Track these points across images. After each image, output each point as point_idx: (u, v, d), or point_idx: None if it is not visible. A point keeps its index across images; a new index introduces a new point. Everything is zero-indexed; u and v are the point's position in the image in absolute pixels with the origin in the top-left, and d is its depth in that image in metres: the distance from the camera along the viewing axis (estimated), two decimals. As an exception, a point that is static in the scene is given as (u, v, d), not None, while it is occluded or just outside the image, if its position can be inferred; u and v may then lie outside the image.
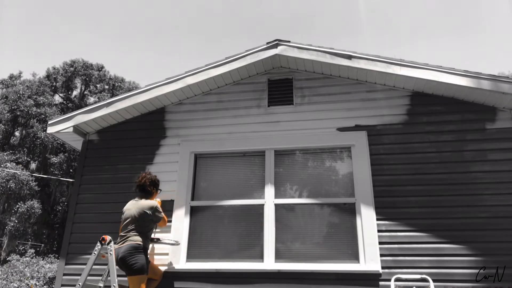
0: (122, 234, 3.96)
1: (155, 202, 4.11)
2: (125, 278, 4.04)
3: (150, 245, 4.53)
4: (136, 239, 3.86)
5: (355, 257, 4.10)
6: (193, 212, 4.65)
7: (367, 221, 4.15)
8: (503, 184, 4.07)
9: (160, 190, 4.42)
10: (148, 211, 3.97)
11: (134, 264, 3.73)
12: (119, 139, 5.16)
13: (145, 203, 4.04)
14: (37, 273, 12.01)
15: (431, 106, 4.53)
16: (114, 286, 3.70)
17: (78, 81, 27.27)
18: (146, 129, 5.13)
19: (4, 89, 25.38)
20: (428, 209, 4.11)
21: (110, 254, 3.81)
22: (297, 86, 4.98)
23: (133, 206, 4.04)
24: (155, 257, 4.44)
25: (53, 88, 26.40)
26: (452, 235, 3.98)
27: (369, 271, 3.95)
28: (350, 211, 4.30)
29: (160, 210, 4.10)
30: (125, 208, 4.12)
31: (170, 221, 4.57)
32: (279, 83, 5.05)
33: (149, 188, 4.18)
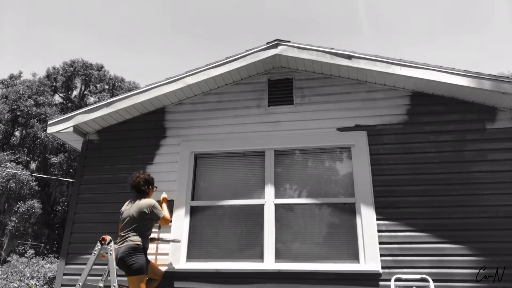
0: (121, 234, 3.96)
1: (153, 200, 4.10)
2: (125, 278, 4.04)
3: (153, 245, 4.53)
4: (134, 239, 3.85)
5: (355, 257, 4.10)
6: (193, 212, 4.65)
7: (367, 221, 4.15)
8: (503, 184, 4.07)
9: (156, 187, 4.41)
10: (146, 210, 3.96)
11: (133, 264, 3.72)
12: (119, 139, 5.17)
13: (142, 202, 4.03)
14: (37, 273, 12.02)
15: (431, 106, 4.53)
16: (114, 286, 3.70)
17: (78, 81, 27.28)
18: (146, 129, 5.13)
19: (4, 89, 25.37)
20: (428, 209, 4.11)
21: (110, 254, 3.81)
22: (297, 86, 4.98)
23: (131, 207, 4.04)
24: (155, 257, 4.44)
25: (53, 88, 26.41)
26: (452, 235, 3.98)
27: (369, 271, 3.95)
28: (350, 211, 4.30)
29: (159, 207, 4.08)
30: (122, 208, 4.13)
31: (171, 221, 4.56)
32: (279, 83, 5.05)
33: (143, 188, 4.16)
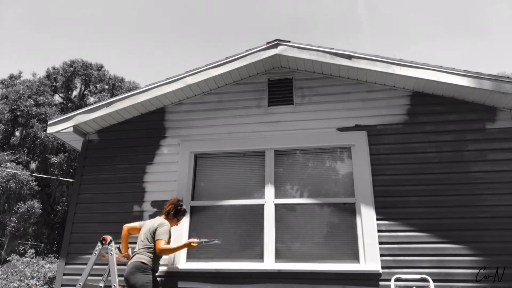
0: (134, 250, 3.92)
1: (167, 222, 3.97)
2: (125, 278, 4.04)
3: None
4: (141, 257, 3.76)
5: (355, 257, 4.10)
6: (193, 212, 4.65)
7: (367, 221, 4.15)
8: (503, 184, 4.07)
9: (179, 220, 4.25)
10: (157, 227, 3.86)
11: (134, 284, 3.62)
12: (119, 139, 5.17)
13: (157, 219, 4.00)
14: (37, 273, 12.02)
15: (431, 106, 4.53)
16: (114, 286, 3.70)
17: (78, 81, 27.27)
18: (146, 129, 5.13)
19: (4, 89, 25.36)
20: (428, 209, 4.11)
21: (111, 254, 3.82)
22: (297, 86, 4.98)
23: (148, 223, 4.02)
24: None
25: (53, 88, 26.40)
26: (452, 235, 3.98)
27: (369, 271, 3.95)
28: (350, 211, 4.30)
29: (165, 230, 3.85)
30: (143, 222, 4.13)
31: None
32: (279, 83, 5.05)
33: (167, 208, 4.09)
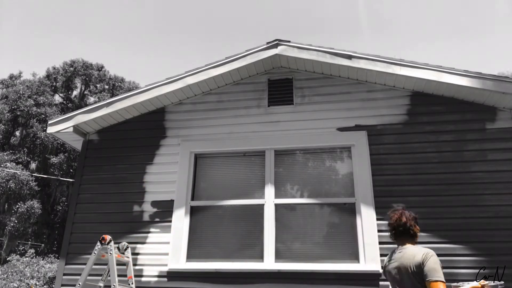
0: None
1: (425, 249, 2.50)
2: (125, 278, 4.05)
3: (151, 245, 4.52)
4: None
5: (355, 257, 4.10)
6: (193, 212, 4.65)
7: (367, 221, 4.15)
8: (503, 184, 4.07)
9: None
10: (421, 260, 2.44)
11: None
12: (119, 139, 5.17)
13: (410, 249, 2.58)
14: (37, 273, 12.02)
15: (431, 106, 4.53)
16: (114, 285, 3.70)
17: (78, 81, 27.27)
18: (146, 129, 5.13)
19: (4, 89, 25.37)
20: (428, 209, 4.11)
21: (110, 253, 3.82)
22: (297, 86, 4.98)
23: (398, 258, 2.61)
24: (155, 257, 4.44)
25: (53, 88, 26.40)
26: (452, 235, 3.98)
27: (369, 271, 3.95)
28: (350, 211, 4.30)
29: (437, 261, 2.41)
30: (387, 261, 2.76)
31: (170, 221, 4.57)
32: (279, 83, 5.05)
33: (410, 226, 2.68)
